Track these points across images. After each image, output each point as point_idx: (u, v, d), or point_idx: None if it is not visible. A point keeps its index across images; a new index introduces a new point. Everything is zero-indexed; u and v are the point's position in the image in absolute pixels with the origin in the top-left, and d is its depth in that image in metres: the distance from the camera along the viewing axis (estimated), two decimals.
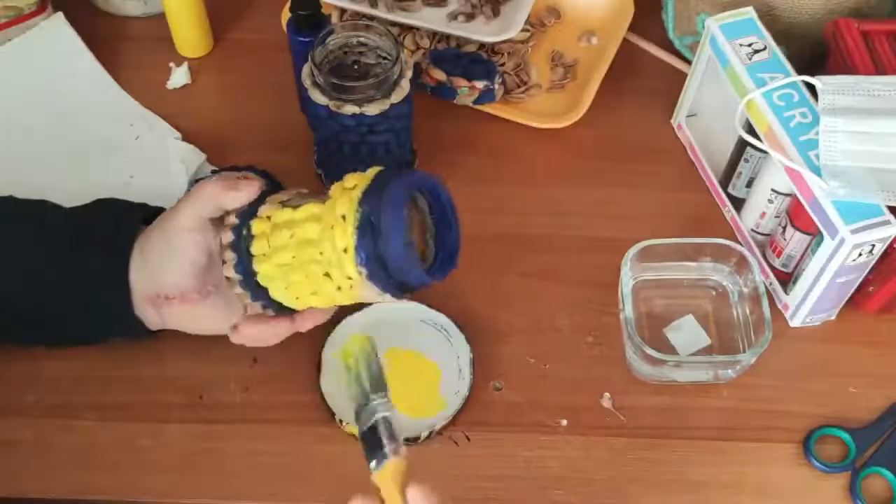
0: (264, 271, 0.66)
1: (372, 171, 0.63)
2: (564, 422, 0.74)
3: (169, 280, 0.67)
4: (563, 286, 0.82)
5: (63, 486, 0.71)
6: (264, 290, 0.67)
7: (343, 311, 0.77)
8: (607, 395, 0.76)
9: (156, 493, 0.71)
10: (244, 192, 0.66)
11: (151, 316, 0.70)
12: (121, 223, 0.71)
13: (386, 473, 0.54)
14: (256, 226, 0.65)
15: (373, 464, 0.55)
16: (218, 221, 0.68)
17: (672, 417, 0.75)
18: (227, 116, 0.94)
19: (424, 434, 0.72)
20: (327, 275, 0.63)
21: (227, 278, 0.68)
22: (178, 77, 0.95)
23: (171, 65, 0.96)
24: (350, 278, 0.61)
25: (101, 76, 0.93)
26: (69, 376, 0.75)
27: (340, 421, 0.73)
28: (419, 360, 0.77)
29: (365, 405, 0.57)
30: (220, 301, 0.69)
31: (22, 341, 0.74)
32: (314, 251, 0.62)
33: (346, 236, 0.60)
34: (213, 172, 0.85)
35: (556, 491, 0.72)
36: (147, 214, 0.71)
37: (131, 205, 0.73)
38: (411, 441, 0.72)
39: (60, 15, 0.96)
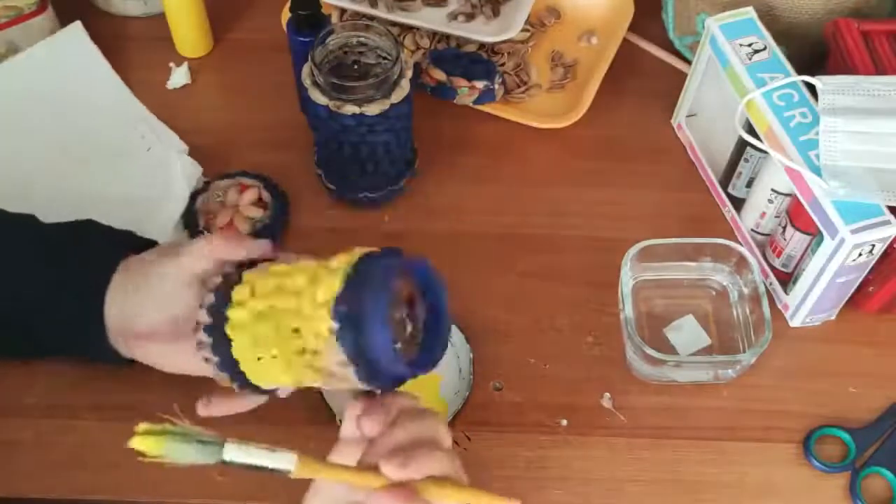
0: (236, 318, 0.60)
1: (366, 250, 0.59)
2: (564, 422, 0.74)
3: (144, 319, 0.64)
4: (563, 286, 0.82)
5: (63, 486, 0.71)
6: (227, 344, 0.61)
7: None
8: (607, 395, 0.76)
9: (156, 493, 0.71)
10: (250, 249, 0.64)
11: (122, 348, 0.67)
12: (104, 253, 0.68)
13: (304, 463, 0.56)
14: (247, 274, 0.62)
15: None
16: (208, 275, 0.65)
17: (672, 417, 0.75)
18: (227, 116, 0.94)
19: None
20: (297, 331, 0.58)
21: (197, 322, 0.62)
22: (178, 77, 0.95)
23: (171, 65, 0.96)
24: (318, 336, 0.57)
25: (117, 86, 0.94)
26: (69, 376, 0.75)
27: (340, 421, 0.72)
28: None
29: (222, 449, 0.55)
30: (191, 346, 0.64)
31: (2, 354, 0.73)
32: (293, 302, 0.58)
33: (331, 289, 0.56)
34: (206, 184, 0.85)
35: (556, 491, 0.72)
36: (135, 245, 0.69)
37: (117, 233, 0.71)
38: None
39: (79, 24, 0.96)
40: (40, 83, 0.93)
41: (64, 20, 0.97)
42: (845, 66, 0.80)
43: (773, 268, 0.82)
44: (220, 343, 0.61)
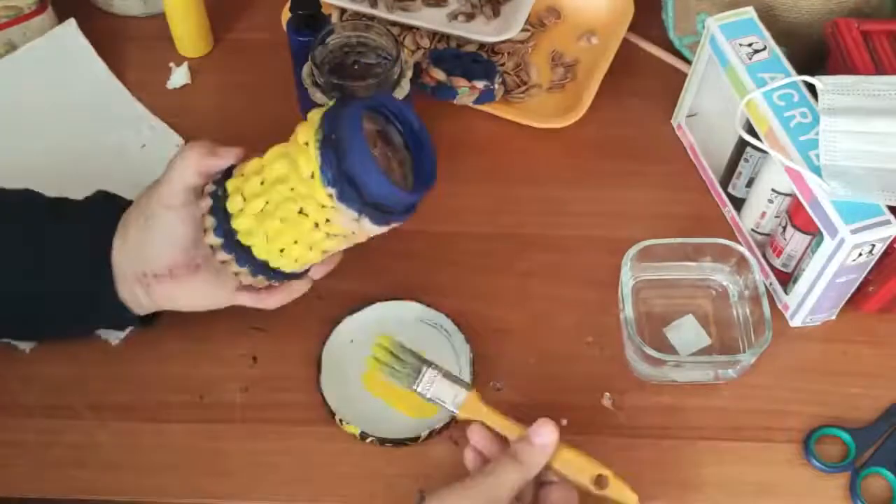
0: (242, 227, 0.64)
1: (331, 101, 0.63)
2: (564, 422, 0.74)
3: (156, 257, 0.66)
4: (563, 286, 0.82)
5: (63, 486, 0.71)
6: (248, 251, 0.65)
7: (342, 312, 0.77)
8: (607, 395, 0.76)
9: (156, 493, 0.71)
10: (225, 157, 0.65)
11: (141, 297, 0.68)
12: (102, 205, 0.70)
13: (469, 404, 0.67)
14: (230, 184, 0.64)
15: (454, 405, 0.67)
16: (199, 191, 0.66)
17: (672, 417, 0.75)
18: (226, 116, 0.94)
19: (424, 434, 0.72)
20: (302, 212, 0.61)
21: (211, 246, 0.66)
22: (178, 77, 0.95)
23: (171, 65, 0.96)
24: (323, 206, 0.60)
25: (112, 83, 0.93)
26: (69, 376, 0.75)
27: (340, 421, 0.73)
28: None
29: (418, 378, 0.68)
30: (210, 275, 0.67)
31: (13, 331, 0.74)
32: (285, 189, 0.61)
33: (311, 161, 0.59)
34: None
35: (556, 491, 0.71)
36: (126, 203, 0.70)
37: (110, 193, 0.72)
38: (411, 441, 0.72)
39: (73, 21, 0.96)
40: (34, 81, 0.93)
41: (64, 20, 0.97)
42: (845, 66, 0.80)
43: (773, 268, 0.82)
44: (241, 253, 0.65)
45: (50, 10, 0.95)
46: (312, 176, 0.59)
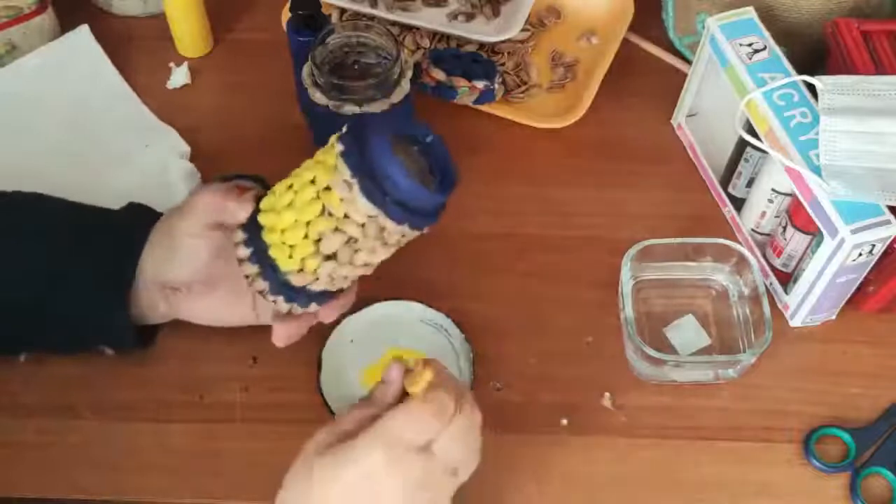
0: (267, 223, 0.64)
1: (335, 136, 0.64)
2: (564, 422, 0.74)
3: (176, 273, 0.69)
4: (563, 286, 0.82)
5: (63, 486, 0.71)
6: (274, 266, 0.64)
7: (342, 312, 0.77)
8: (607, 395, 0.76)
9: (156, 493, 0.71)
10: (241, 209, 0.66)
11: (161, 306, 0.71)
12: (138, 214, 0.73)
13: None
14: (264, 201, 0.65)
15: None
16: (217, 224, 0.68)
17: (672, 417, 0.75)
18: (227, 116, 0.94)
19: None
20: (325, 210, 0.61)
21: (239, 260, 0.66)
22: (178, 77, 0.95)
23: (171, 65, 0.96)
24: (342, 199, 0.60)
25: (123, 90, 0.93)
26: (69, 376, 0.75)
27: None
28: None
29: None
30: (227, 293, 0.70)
31: (12, 342, 0.74)
32: (312, 190, 0.62)
33: (333, 155, 0.60)
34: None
35: (556, 491, 0.72)
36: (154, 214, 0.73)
37: (137, 205, 0.75)
38: None
39: (86, 27, 0.96)
40: (46, 86, 0.93)
41: (64, 20, 0.97)
42: (845, 66, 0.80)
43: (773, 268, 0.82)
44: (266, 266, 0.64)
45: (50, 10, 0.95)
46: (336, 169, 0.60)
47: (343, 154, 0.60)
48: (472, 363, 0.76)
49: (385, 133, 0.60)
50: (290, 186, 0.63)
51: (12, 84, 0.92)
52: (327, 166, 0.61)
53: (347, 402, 0.73)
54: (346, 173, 0.59)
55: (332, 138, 0.62)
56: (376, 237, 0.62)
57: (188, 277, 0.69)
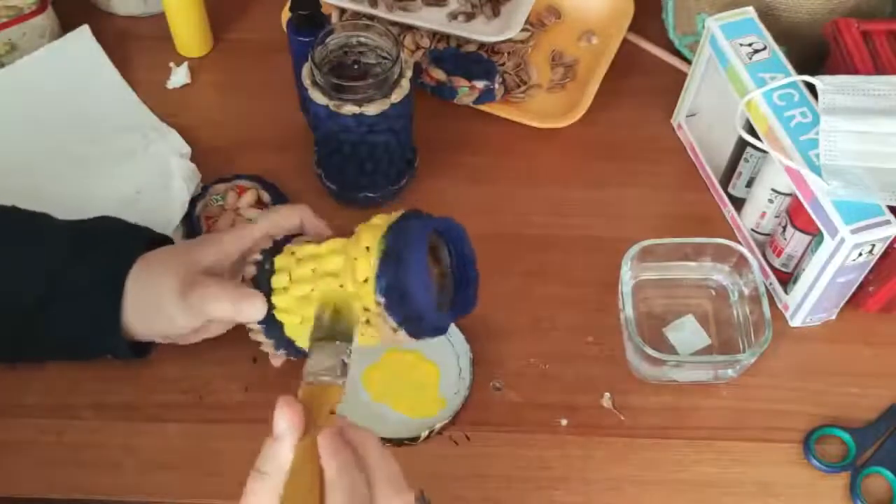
0: (282, 304, 0.64)
1: (398, 212, 0.63)
2: (564, 422, 0.74)
3: (161, 331, 0.69)
4: (563, 286, 0.82)
5: (63, 486, 0.71)
6: (279, 327, 0.65)
7: None
8: (607, 395, 0.76)
9: (156, 493, 0.71)
10: (254, 309, 0.64)
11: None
12: (121, 247, 0.70)
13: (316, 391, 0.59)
14: (279, 260, 0.65)
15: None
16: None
17: (672, 417, 0.75)
18: (226, 116, 0.94)
19: (424, 434, 0.72)
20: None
21: (249, 330, 0.67)
22: (178, 77, 0.95)
23: (171, 65, 0.96)
24: (367, 310, 0.61)
25: (124, 90, 0.94)
26: (69, 376, 0.75)
27: None
28: (418, 360, 0.77)
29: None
30: (219, 328, 0.70)
31: (9, 353, 0.73)
32: (334, 282, 0.61)
33: (369, 267, 0.60)
34: (203, 188, 0.85)
35: (555, 491, 0.72)
36: (149, 240, 0.71)
37: (133, 228, 0.72)
38: (411, 441, 0.72)
39: (86, 27, 0.96)
40: (47, 85, 0.93)
41: (64, 20, 0.97)
42: (845, 66, 0.80)
43: (773, 268, 0.82)
44: (272, 327, 0.65)
45: (50, 10, 0.95)
46: (366, 281, 0.60)
47: (378, 276, 0.59)
48: (472, 363, 0.76)
49: (425, 251, 0.59)
50: (313, 270, 0.63)
51: (12, 84, 0.92)
52: (356, 269, 0.60)
53: (347, 402, 0.73)
54: (376, 295, 0.59)
55: (370, 234, 0.61)
56: (385, 341, 0.63)
57: (174, 334, 0.69)
